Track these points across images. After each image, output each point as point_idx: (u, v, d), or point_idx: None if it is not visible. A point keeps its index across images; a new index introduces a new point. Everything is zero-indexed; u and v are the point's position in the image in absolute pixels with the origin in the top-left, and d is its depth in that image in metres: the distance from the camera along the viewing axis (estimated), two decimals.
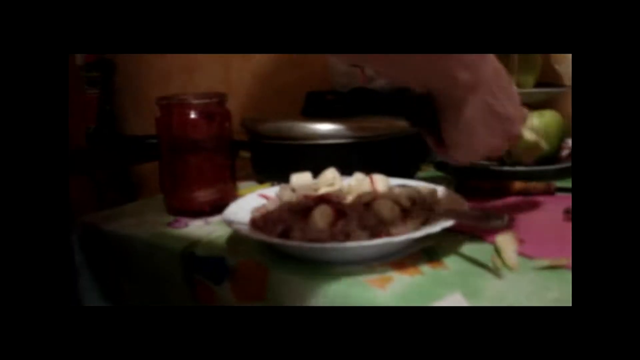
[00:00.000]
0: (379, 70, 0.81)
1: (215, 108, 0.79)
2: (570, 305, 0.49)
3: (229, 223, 0.64)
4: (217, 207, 0.76)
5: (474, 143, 0.61)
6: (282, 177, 0.76)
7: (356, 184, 0.70)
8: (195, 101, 0.77)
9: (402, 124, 0.89)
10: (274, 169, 0.89)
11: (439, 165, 1.00)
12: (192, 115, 0.77)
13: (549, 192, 0.82)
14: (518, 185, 0.83)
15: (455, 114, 0.59)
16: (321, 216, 0.61)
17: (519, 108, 0.61)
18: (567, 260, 0.58)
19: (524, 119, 0.63)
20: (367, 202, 0.63)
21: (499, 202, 0.80)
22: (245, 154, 0.95)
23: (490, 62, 0.58)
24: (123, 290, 0.78)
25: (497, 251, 0.61)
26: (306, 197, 0.66)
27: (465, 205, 0.66)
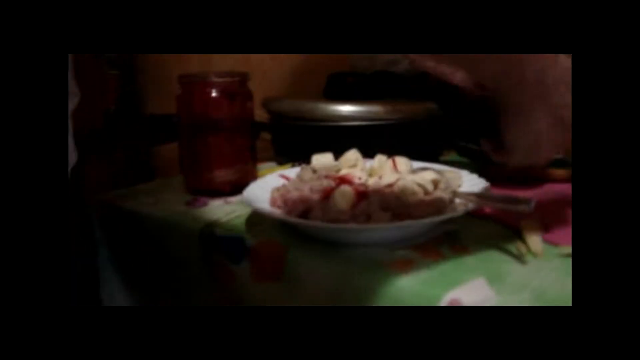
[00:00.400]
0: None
1: (237, 87, 0.78)
2: None
3: (248, 202, 0.63)
4: (237, 187, 0.75)
5: (539, 147, 0.60)
6: (303, 158, 0.76)
7: (378, 166, 0.69)
8: (217, 79, 0.76)
9: (425, 107, 0.88)
10: (294, 150, 0.88)
11: (462, 150, 0.99)
12: (214, 94, 0.76)
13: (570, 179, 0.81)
14: (541, 172, 0.81)
15: (524, 119, 0.58)
16: (342, 197, 0.60)
17: (555, 134, 0.60)
18: None
19: (554, 145, 0.61)
20: (389, 184, 0.62)
21: (522, 189, 0.79)
22: (266, 136, 0.94)
23: (561, 63, 0.57)
24: (139, 268, 0.77)
25: (522, 237, 0.60)
26: (327, 177, 0.65)
27: (488, 189, 0.65)
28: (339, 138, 0.81)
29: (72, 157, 0.64)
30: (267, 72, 1.38)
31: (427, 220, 0.57)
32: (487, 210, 0.67)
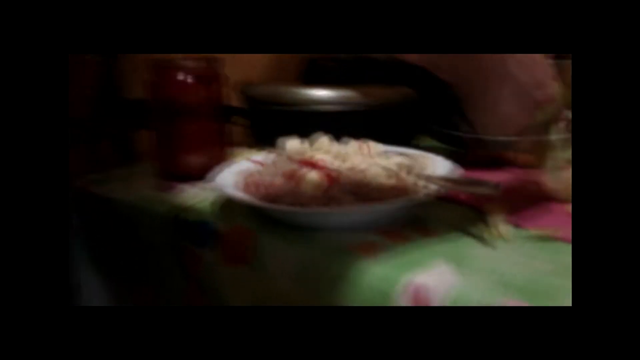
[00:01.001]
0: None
1: (210, 72, 0.78)
2: (562, 275, 0.49)
3: (218, 187, 0.63)
4: (209, 172, 0.75)
5: (507, 128, 0.60)
6: (276, 143, 0.75)
7: (349, 151, 0.69)
8: (189, 64, 0.76)
9: (399, 92, 0.88)
10: (269, 135, 0.88)
11: (436, 135, 0.99)
12: (185, 79, 0.76)
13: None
14: (512, 155, 0.82)
15: (489, 103, 0.59)
16: (311, 182, 0.60)
17: (546, 70, 0.60)
18: (557, 231, 0.57)
19: (553, 81, 0.61)
20: (358, 169, 0.62)
21: (493, 173, 0.79)
22: (241, 120, 0.94)
23: None
24: (113, 254, 0.77)
25: (488, 221, 0.60)
26: (298, 162, 0.65)
27: (457, 172, 0.65)
28: (313, 123, 0.81)
29: None
30: (247, 57, 1.37)
31: (393, 204, 0.57)
32: (457, 194, 0.67)
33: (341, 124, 0.83)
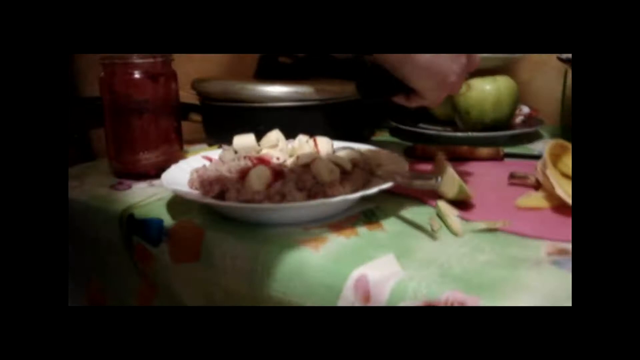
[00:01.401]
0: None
1: (160, 68, 0.77)
2: (499, 265, 0.50)
3: (166, 184, 0.63)
4: (163, 169, 0.74)
5: (444, 89, 0.64)
6: (231, 140, 0.75)
7: (298, 146, 0.69)
8: (139, 61, 0.75)
9: (353, 87, 0.88)
10: (223, 131, 0.88)
11: (393, 131, 1.00)
12: (136, 75, 0.75)
13: (498, 157, 0.82)
14: (466, 150, 0.83)
15: (426, 68, 0.62)
16: (258, 177, 0.60)
17: (453, 64, 0.62)
18: (503, 223, 0.58)
19: (459, 72, 0.64)
20: (306, 164, 0.62)
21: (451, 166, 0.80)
22: (197, 117, 0.93)
23: None
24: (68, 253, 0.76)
25: (439, 216, 0.61)
26: (246, 158, 0.65)
27: (405, 167, 0.66)
28: (267, 119, 0.81)
29: None
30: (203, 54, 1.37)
31: (340, 199, 0.58)
32: (406, 188, 0.67)
33: (296, 120, 0.83)
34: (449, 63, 0.62)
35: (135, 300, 0.69)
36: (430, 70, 0.62)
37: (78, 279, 0.76)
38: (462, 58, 0.63)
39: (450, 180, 0.62)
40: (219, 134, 0.90)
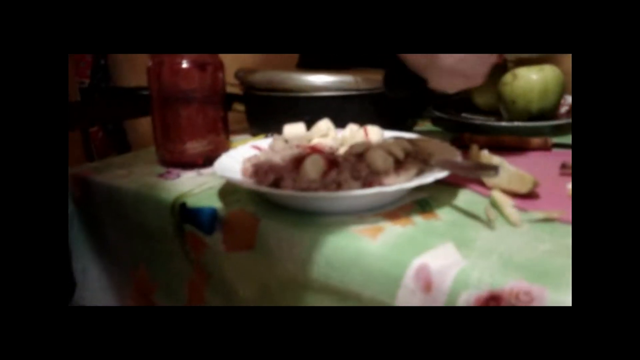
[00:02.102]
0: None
1: (208, 58, 0.77)
2: (563, 254, 0.49)
3: (220, 173, 0.63)
4: (210, 159, 0.75)
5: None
6: (275, 129, 0.75)
7: (349, 135, 0.69)
8: None
9: None
10: (267, 121, 0.88)
11: (436, 120, 0.99)
12: (184, 65, 0.75)
13: (546, 147, 0.81)
14: (513, 140, 0.82)
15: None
16: (313, 166, 0.60)
17: (480, 66, 0.63)
18: (561, 213, 0.57)
19: (485, 73, 0.65)
20: (359, 153, 0.62)
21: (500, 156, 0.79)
22: (240, 107, 0.94)
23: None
24: (112, 241, 0.77)
25: (493, 205, 0.60)
26: (298, 147, 0.65)
27: (458, 156, 0.65)
28: (311, 109, 0.81)
29: None
30: None
31: (397, 188, 0.57)
32: (459, 178, 0.67)
33: (339, 110, 0.83)
34: (475, 66, 0.61)
35: (185, 288, 0.70)
36: (455, 73, 0.61)
37: (125, 267, 0.77)
38: (491, 58, 0.62)
39: (515, 174, 0.62)
40: (263, 124, 0.90)
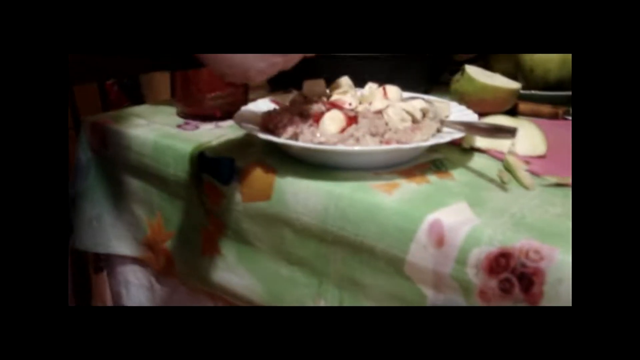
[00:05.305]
0: None
1: None
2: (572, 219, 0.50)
3: (239, 124, 0.64)
4: (228, 112, 0.76)
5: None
6: (294, 86, 0.76)
7: (368, 94, 0.69)
8: None
9: None
10: (285, 79, 0.88)
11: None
12: None
13: (558, 116, 0.82)
14: (527, 107, 0.82)
15: None
16: (332, 121, 0.61)
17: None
18: (570, 179, 0.58)
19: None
20: (378, 110, 0.63)
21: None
22: None
23: None
24: (129, 189, 0.78)
25: (507, 168, 0.61)
26: (318, 103, 0.66)
27: (476, 119, 0.66)
28: (329, 68, 0.81)
29: None
30: None
31: (415, 145, 0.58)
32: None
33: (357, 70, 0.83)
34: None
35: (200, 238, 0.71)
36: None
37: (141, 215, 0.78)
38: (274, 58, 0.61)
39: (531, 136, 0.63)
40: (280, 81, 0.90)
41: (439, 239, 0.51)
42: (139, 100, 1.60)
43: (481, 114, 0.70)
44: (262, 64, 0.59)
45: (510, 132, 0.57)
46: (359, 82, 0.73)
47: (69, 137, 1.16)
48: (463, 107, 0.71)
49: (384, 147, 0.58)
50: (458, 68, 0.96)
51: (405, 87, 0.75)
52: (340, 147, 0.58)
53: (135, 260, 0.84)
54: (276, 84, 0.92)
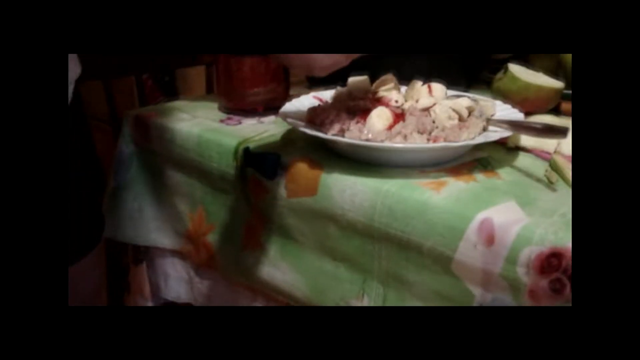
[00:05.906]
0: None
1: None
2: None
3: (285, 119, 0.64)
4: (270, 107, 0.76)
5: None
6: (335, 82, 0.76)
7: (414, 91, 0.69)
8: None
9: None
10: (329, 75, 0.88)
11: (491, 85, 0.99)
12: None
13: None
14: (569, 106, 0.81)
15: None
16: (379, 118, 0.61)
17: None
18: None
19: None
20: (425, 108, 0.63)
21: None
22: None
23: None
24: (170, 182, 0.79)
25: (554, 168, 0.61)
26: (364, 99, 0.66)
27: (521, 118, 0.66)
28: (370, 64, 0.81)
29: (75, 71, 0.65)
30: None
31: (463, 143, 0.58)
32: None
33: (398, 67, 0.83)
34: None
35: (242, 232, 0.72)
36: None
37: (183, 208, 0.79)
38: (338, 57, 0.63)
39: None
40: (319, 78, 0.90)
41: (489, 238, 0.51)
42: (173, 94, 1.61)
43: (524, 113, 0.70)
44: (328, 61, 0.60)
45: (561, 132, 0.57)
46: (399, 80, 0.73)
47: (104, 130, 1.18)
48: (508, 106, 0.70)
49: (433, 144, 0.58)
50: (498, 66, 0.96)
51: (445, 85, 0.75)
52: (388, 144, 0.58)
53: (174, 253, 0.85)
54: (315, 80, 0.92)
